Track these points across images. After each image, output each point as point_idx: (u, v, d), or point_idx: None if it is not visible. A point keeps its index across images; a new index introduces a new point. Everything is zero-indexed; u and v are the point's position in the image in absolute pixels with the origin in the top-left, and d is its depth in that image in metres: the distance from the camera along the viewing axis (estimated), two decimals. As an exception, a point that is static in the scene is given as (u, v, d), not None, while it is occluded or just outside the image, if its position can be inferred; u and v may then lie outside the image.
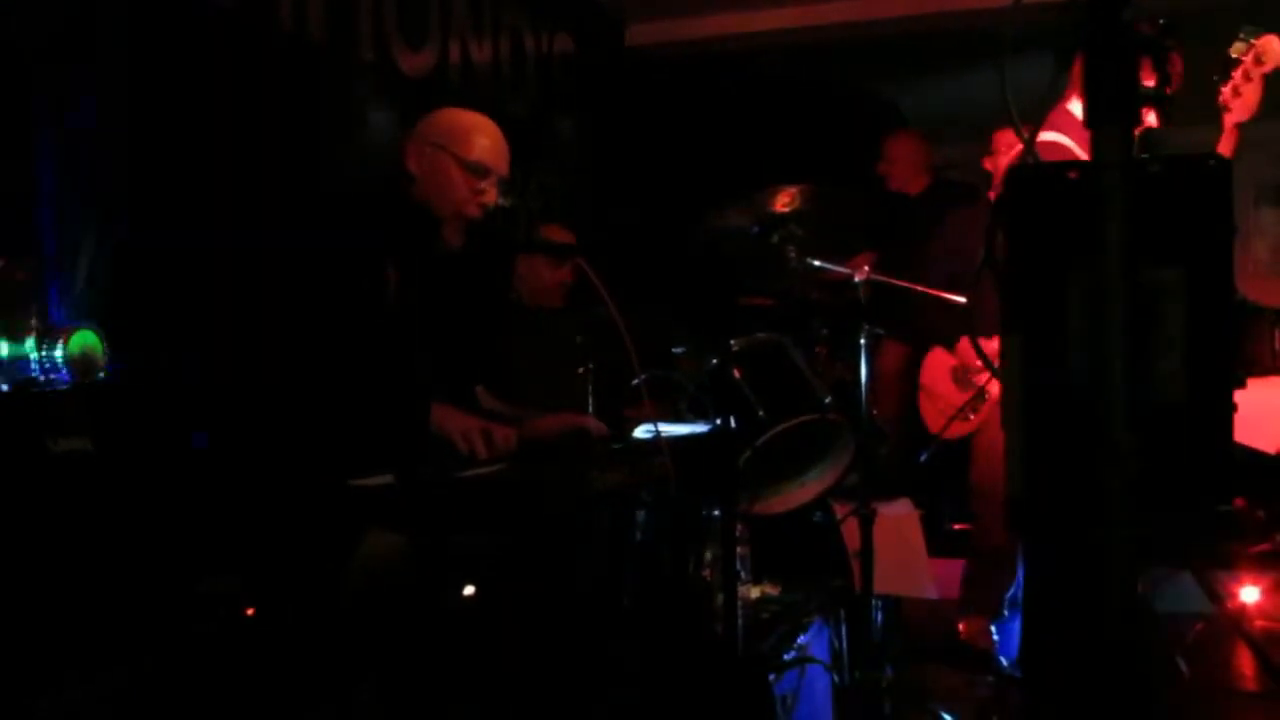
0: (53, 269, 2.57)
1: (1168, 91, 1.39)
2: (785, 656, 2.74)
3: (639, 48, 6.05)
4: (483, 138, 2.60)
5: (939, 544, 4.49)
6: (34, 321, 2.21)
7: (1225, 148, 2.84)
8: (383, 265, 2.47)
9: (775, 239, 3.41)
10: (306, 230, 2.49)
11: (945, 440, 4.35)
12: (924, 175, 5.59)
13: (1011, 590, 4.32)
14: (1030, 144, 1.50)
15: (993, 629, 4.17)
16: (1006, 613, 4.30)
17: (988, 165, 4.51)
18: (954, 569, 4.34)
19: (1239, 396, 1.33)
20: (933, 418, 4.50)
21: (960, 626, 4.21)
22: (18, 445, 1.91)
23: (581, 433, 2.63)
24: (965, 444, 4.33)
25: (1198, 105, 2.76)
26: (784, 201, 3.35)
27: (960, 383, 4.29)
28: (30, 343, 2.18)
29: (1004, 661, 4.02)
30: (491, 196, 2.59)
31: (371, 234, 2.49)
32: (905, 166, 5.55)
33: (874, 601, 3.24)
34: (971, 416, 4.18)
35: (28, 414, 1.94)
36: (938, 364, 4.45)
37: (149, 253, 3.02)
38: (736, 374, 3.16)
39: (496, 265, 3.85)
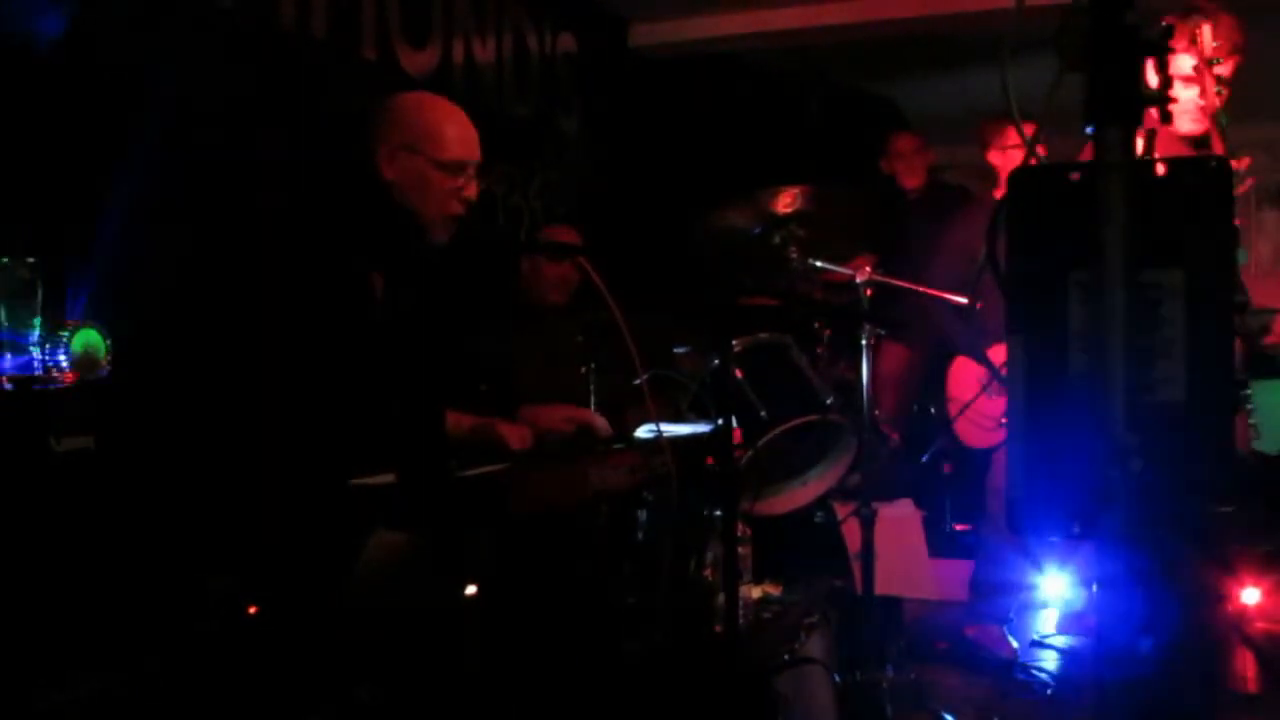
0: (56, 268, 2.57)
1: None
2: (786, 657, 2.74)
3: (642, 47, 6.05)
4: (453, 129, 2.50)
5: (940, 545, 4.49)
6: (37, 320, 2.21)
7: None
8: (364, 271, 2.41)
9: (777, 239, 3.41)
10: (286, 239, 2.43)
11: (957, 446, 4.36)
12: (922, 176, 5.60)
13: (1021, 594, 4.33)
14: (1032, 145, 1.49)
15: (1006, 632, 4.17)
16: (1014, 616, 4.30)
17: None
18: (955, 570, 4.34)
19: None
20: (963, 427, 4.47)
21: (968, 630, 4.21)
22: (21, 444, 1.91)
23: (586, 428, 2.63)
24: (983, 451, 4.33)
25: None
26: (786, 202, 3.36)
27: (990, 391, 4.25)
28: (33, 340, 2.18)
29: (1015, 662, 4.03)
30: (472, 190, 2.52)
31: (350, 242, 2.44)
32: (910, 164, 5.56)
33: (874, 602, 3.24)
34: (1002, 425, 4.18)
35: (31, 412, 1.94)
36: (965, 373, 4.43)
37: (144, 254, 3.05)
38: (738, 374, 3.16)
39: (495, 261, 3.84)
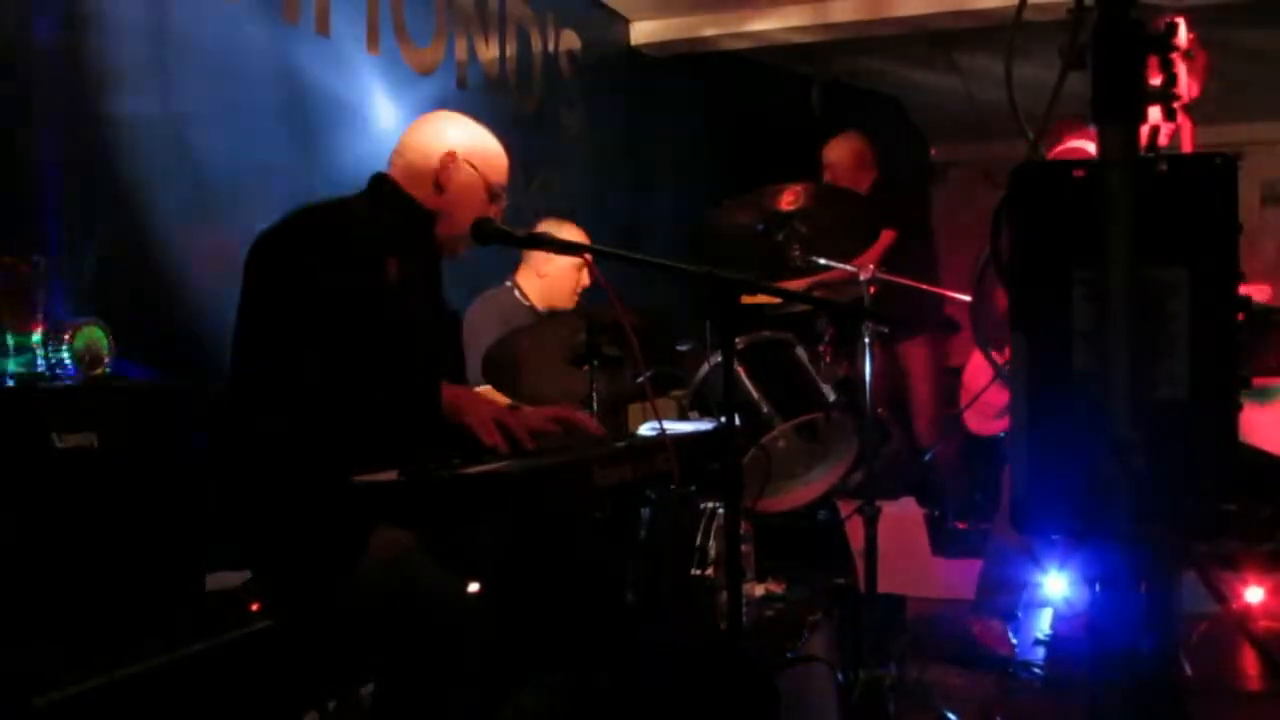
0: (59, 264, 2.57)
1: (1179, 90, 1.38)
2: (789, 654, 2.74)
3: (644, 45, 6.05)
4: (504, 161, 2.65)
5: (943, 543, 4.49)
6: (40, 317, 2.21)
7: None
8: (382, 254, 2.42)
9: (780, 237, 3.41)
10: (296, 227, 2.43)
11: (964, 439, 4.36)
12: (866, 173, 5.41)
13: (1026, 592, 4.32)
14: (1035, 143, 1.49)
15: (1009, 630, 4.17)
16: (1020, 614, 4.29)
17: None
18: (958, 568, 4.34)
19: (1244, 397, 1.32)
20: (973, 418, 4.45)
21: (975, 629, 4.20)
22: (23, 440, 1.91)
23: (574, 425, 2.62)
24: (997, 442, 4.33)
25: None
26: (789, 200, 3.36)
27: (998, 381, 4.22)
28: (37, 338, 2.18)
29: (1019, 659, 4.02)
30: (498, 212, 2.62)
31: (370, 223, 2.46)
32: (845, 170, 5.38)
33: (878, 600, 3.23)
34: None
35: (34, 409, 1.94)
36: (981, 364, 4.41)
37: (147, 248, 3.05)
38: (741, 371, 3.16)
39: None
